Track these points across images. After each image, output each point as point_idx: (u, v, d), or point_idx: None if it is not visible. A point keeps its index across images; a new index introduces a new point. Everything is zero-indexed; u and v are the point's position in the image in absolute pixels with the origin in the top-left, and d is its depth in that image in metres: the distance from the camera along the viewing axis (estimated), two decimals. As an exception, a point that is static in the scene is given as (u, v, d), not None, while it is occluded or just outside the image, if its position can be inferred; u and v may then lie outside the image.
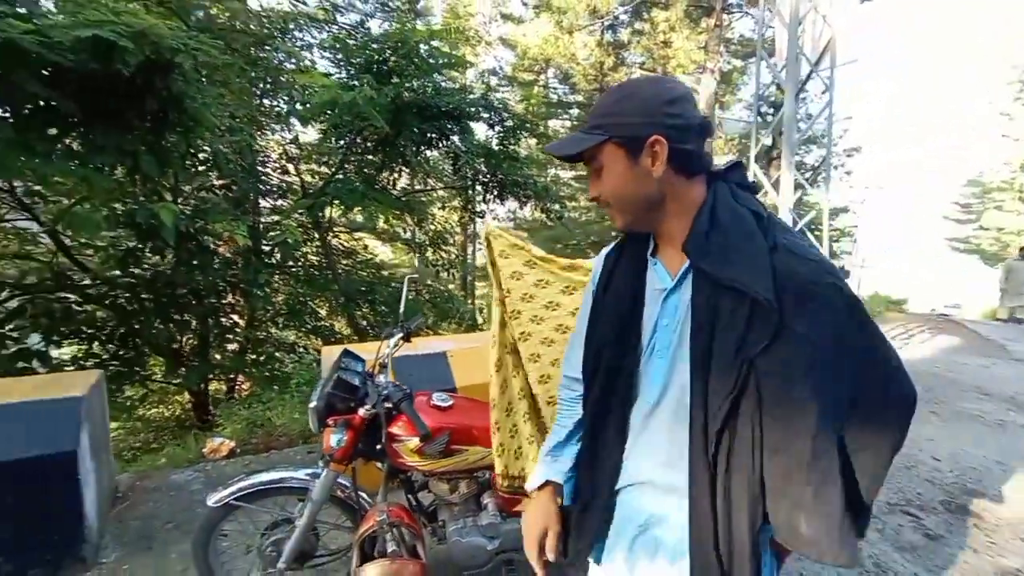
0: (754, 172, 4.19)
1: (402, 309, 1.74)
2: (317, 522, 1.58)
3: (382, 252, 9.65)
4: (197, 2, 4.63)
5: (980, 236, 25.91)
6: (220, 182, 4.18)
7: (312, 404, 1.50)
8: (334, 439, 1.47)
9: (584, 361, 0.92)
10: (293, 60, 4.85)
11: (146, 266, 4.09)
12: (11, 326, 4.31)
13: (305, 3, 6.64)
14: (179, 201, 4.09)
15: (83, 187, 3.15)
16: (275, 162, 5.83)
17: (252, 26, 4.86)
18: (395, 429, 1.53)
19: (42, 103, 2.80)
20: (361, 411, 1.48)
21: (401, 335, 1.69)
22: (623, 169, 0.79)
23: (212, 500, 1.53)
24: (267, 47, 4.74)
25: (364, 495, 1.63)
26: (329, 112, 3.77)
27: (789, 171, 3.70)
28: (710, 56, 10.25)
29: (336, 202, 4.22)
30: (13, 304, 4.27)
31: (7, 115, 2.79)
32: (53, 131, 2.88)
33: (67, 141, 2.97)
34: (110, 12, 2.60)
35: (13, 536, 1.84)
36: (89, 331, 4.34)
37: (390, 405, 1.49)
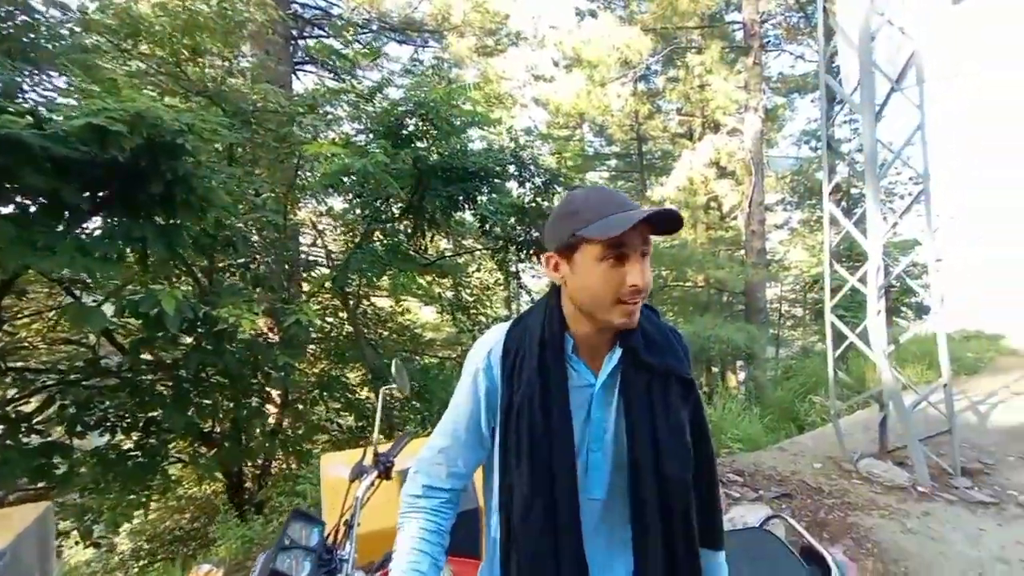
0: (829, 212, 3.55)
1: (376, 429, 1.28)
2: None
3: (425, 314, 9.42)
4: (234, 91, 4.77)
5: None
6: (240, 261, 4.03)
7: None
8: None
9: (509, 461, 0.88)
10: (322, 134, 4.85)
11: (165, 352, 3.91)
12: (40, 418, 4.23)
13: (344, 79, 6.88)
14: (197, 285, 3.97)
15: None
16: (308, 236, 5.80)
17: (282, 105, 4.95)
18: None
19: (46, 196, 2.72)
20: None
21: (376, 472, 1.23)
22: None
23: None
24: (297, 123, 4.77)
25: None
26: (345, 180, 3.58)
27: (876, 207, 3.07)
28: (752, 95, 9.80)
29: (358, 273, 3.95)
30: (41, 395, 4.21)
31: (12, 210, 2.71)
32: (59, 227, 2.78)
33: (75, 231, 2.88)
34: (109, 98, 2.51)
35: None
36: (112, 420, 4.19)
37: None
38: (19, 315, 4.86)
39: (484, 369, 0.93)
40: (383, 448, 1.32)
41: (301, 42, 8.01)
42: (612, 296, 0.80)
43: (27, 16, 3.57)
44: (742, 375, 11.55)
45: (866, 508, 2.98)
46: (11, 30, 3.38)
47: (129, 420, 4.26)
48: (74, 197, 2.85)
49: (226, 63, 5.05)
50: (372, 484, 1.24)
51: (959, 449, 3.57)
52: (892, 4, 3.09)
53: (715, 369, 12.28)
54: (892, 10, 3.12)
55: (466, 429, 0.95)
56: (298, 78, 7.91)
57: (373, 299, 6.83)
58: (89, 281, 3.86)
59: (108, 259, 2.88)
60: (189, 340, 3.72)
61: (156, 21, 4.27)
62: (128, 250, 3.04)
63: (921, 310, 10.70)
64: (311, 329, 3.74)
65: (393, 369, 1.34)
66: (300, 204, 5.80)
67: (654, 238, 0.82)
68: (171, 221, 3.20)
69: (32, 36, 3.56)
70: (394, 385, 1.34)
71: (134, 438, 4.33)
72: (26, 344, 4.90)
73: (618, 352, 0.88)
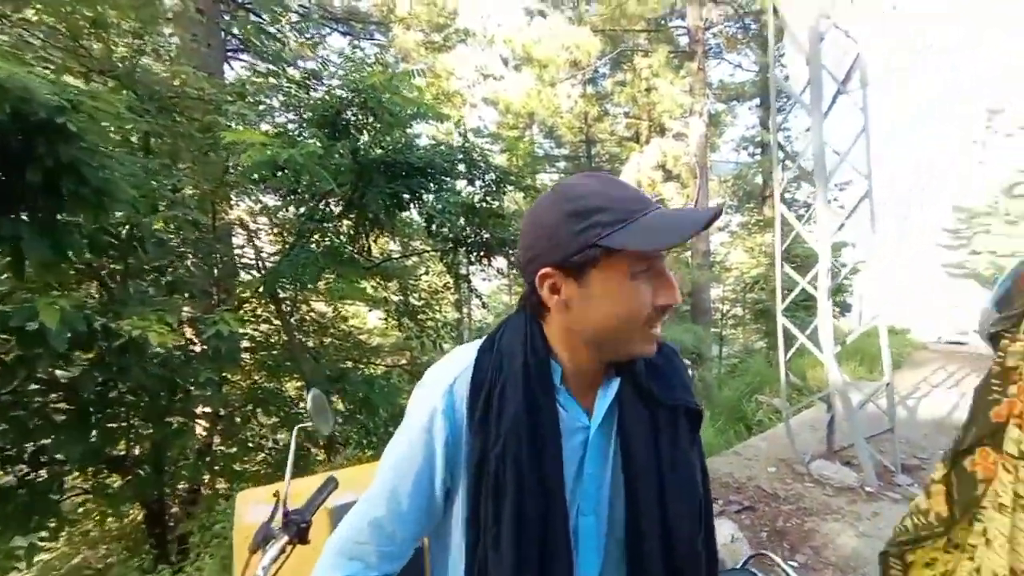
0: (780, 214, 3.56)
1: (288, 476, 1.01)
2: None
3: (372, 320, 8.94)
4: (148, 73, 4.24)
5: (974, 260, 25.76)
6: (154, 264, 3.54)
7: None
8: None
9: (483, 536, 0.65)
10: (253, 125, 4.39)
11: (59, 371, 3.36)
12: None
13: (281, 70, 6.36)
14: (105, 292, 3.45)
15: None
16: (241, 236, 5.27)
17: (206, 91, 4.45)
18: None
19: None
20: None
21: (286, 537, 0.96)
22: None
23: None
24: (223, 111, 4.30)
25: None
26: (275, 174, 3.20)
27: (825, 208, 3.08)
28: (697, 99, 10.06)
29: (291, 278, 3.57)
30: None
31: None
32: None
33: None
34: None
35: None
36: (-8, 452, 3.56)
37: None
38: None
39: (444, 411, 0.69)
40: (297, 501, 1.05)
41: (236, 30, 7.39)
42: (642, 320, 0.64)
43: None
44: (690, 372, 11.85)
45: (821, 513, 2.98)
46: None
47: (11, 451, 3.64)
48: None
49: (137, 41, 4.49)
50: (281, 552, 0.97)
51: (898, 446, 3.69)
52: (838, 7, 3.13)
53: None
54: (837, 14, 3.16)
55: (410, 495, 0.71)
56: (231, 67, 7.28)
57: (315, 304, 6.36)
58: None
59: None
60: (90, 355, 3.19)
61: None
62: (-2, 252, 2.55)
63: (843, 307, 11.41)
64: (237, 339, 3.33)
65: (309, 404, 1.07)
66: (233, 202, 5.28)
67: None
68: (53, 219, 2.72)
69: None
70: (310, 424, 1.07)
71: (19, 472, 3.71)
72: None
73: (615, 383, 0.69)
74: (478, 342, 0.75)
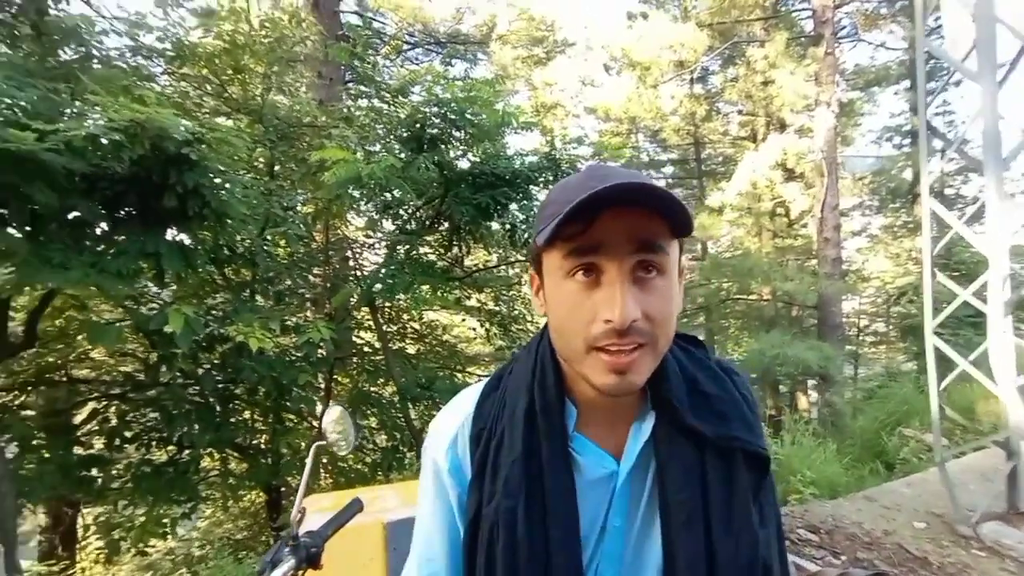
0: (931, 210, 2.92)
1: (299, 497, 0.95)
2: None
3: (466, 327, 9.20)
4: (273, 107, 4.79)
5: None
6: (269, 276, 3.95)
7: None
8: None
9: None
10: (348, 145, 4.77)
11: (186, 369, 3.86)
12: (83, 431, 4.33)
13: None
14: (235, 299, 3.92)
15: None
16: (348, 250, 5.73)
17: (317, 118, 4.93)
18: None
19: (61, 213, 2.70)
20: None
21: (293, 560, 0.90)
22: (677, 280, 0.54)
23: None
24: (327, 134, 4.72)
25: None
26: (361, 190, 3.39)
27: (999, 201, 2.43)
28: (824, 88, 8.89)
29: (380, 288, 3.74)
30: (87, 408, 4.32)
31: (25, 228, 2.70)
32: (70, 241, 2.74)
33: (90, 245, 2.84)
34: (110, 109, 2.43)
35: None
36: (148, 435, 4.22)
37: None
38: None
39: (450, 470, 0.63)
40: (311, 522, 1.00)
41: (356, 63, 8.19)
42: (580, 337, 0.51)
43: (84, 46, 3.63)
44: (814, 396, 10.44)
45: (993, 591, 2.32)
46: (74, 62, 3.41)
47: (165, 435, 4.28)
48: (90, 213, 2.82)
49: (267, 81, 5.09)
50: (289, 580, 0.92)
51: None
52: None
53: (783, 389, 11.19)
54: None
55: (447, 553, 0.65)
56: (350, 97, 8.06)
57: (424, 314, 6.66)
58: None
59: (122, 275, 2.81)
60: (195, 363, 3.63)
61: (200, 43, 4.36)
62: (144, 266, 2.99)
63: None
64: (330, 346, 3.56)
65: (326, 420, 1.02)
66: (350, 219, 5.78)
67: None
68: (188, 236, 3.14)
69: (86, 63, 3.62)
70: (326, 441, 1.02)
71: (169, 452, 4.35)
72: (91, 357, 5.05)
73: (651, 419, 0.57)
74: (482, 384, 0.68)
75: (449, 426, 0.65)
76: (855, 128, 13.18)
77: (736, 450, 0.57)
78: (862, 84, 12.46)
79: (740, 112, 12.79)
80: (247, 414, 4.65)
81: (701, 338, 0.67)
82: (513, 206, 3.95)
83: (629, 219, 0.48)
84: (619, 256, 0.48)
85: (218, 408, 3.96)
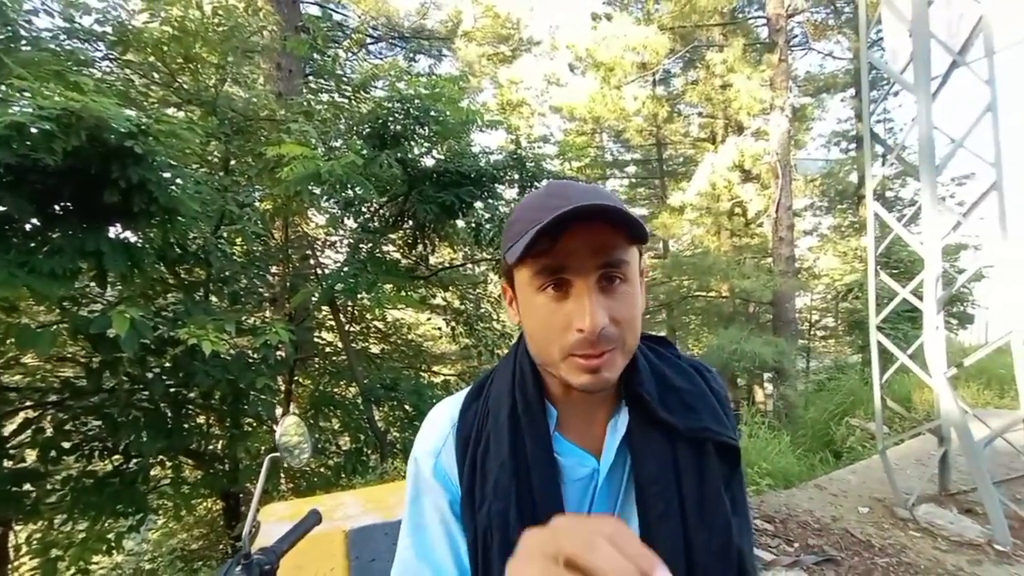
0: (874, 213, 3.08)
1: (251, 511, 0.91)
2: None
3: (432, 326, 9.11)
4: (227, 99, 4.57)
5: None
6: (224, 276, 3.77)
7: None
8: None
9: None
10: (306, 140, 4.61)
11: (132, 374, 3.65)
12: (14, 442, 4.02)
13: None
14: (188, 300, 3.73)
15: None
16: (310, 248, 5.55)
17: (275, 111, 4.74)
18: None
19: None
20: None
21: (245, 580, 0.86)
22: (639, 283, 0.57)
23: None
24: (285, 128, 4.55)
25: None
26: (320, 187, 3.28)
27: (933, 205, 2.59)
28: (778, 93, 9.26)
29: (342, 287, 3.64)
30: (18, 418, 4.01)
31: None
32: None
33: (17, 243, 2.63)
34: (40, 96, 2.25)
35: None
36: (89, 446, 3.95)
37: None
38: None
39: (438, 479, 0.64)
40: (267, 535, 0.96)
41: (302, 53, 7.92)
42: (556, 345, 0.54)
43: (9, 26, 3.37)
44: (769, 388, 10.88)
45: (930, 571, 2.47)
46: None
47: (110, 444, 4.03)
48: (16, 208, 2.61)
49: (221, 72, 4.86)
50: (243, 598, 0.87)
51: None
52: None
53: (741, 383, 11.61)
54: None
55: (456, 564, 0.62)
56: (311, 91, 7.80)
57: (383, 312, 6.54)
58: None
59: (56, 275, 2.62)
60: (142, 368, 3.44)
61: (145, 28, 4.11)
62: (84, 266, 2.80)
63: (964, 319, 9.85)
64: (288, 347, 3.43)
65: (280, 431, 0.97)
66: (310, 216, 5.58)
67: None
68: (134, 233, 2.96)
69: (12, 45, 3.35)
70: (278, 453, 0.97)
71: (115, 462, 4.10)
72: (21, 363, 4.71)
73: (624, 414, 0.60)
74: (463, 393, 0.69)
75: (432, 444, 0.66)
76: (807, 132, 13.79)
77: (706, 440, 0.59)
78: (813, 90, 13.06)
79: (700, 114, 13.16)
80: (201, 419, 4.43)
81: (666, 336, 0.71)
82: (478, 204, 3.92)
83: (590, 235, 0.51)
84: (585, 271, 0.52)
85: (169, 414, 3.75)
